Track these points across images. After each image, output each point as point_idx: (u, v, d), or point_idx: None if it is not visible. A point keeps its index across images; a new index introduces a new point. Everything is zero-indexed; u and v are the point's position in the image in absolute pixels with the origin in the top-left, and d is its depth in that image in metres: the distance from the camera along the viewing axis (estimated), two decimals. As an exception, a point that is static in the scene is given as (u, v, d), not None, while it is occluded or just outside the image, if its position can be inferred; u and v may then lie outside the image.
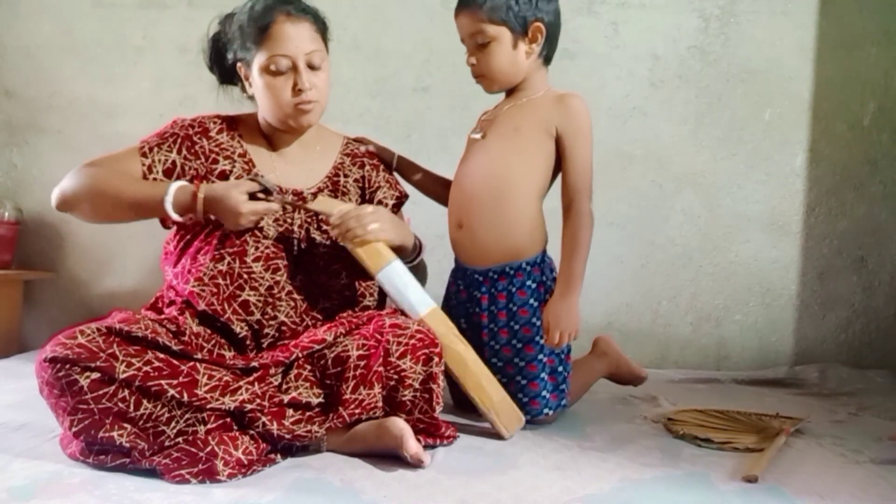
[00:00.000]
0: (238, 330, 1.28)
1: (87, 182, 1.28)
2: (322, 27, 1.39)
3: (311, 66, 1.34)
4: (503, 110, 1.49)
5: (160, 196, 1.25)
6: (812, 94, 2.31)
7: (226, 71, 1.42)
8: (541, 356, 1.41)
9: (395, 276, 1.32)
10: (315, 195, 1.41)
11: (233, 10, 1.41)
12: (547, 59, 1.49)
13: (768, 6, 2.31)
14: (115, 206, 1.28)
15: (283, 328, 1.31)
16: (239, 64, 1.38)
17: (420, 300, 1.32)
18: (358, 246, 1.30)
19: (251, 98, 1.42)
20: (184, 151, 1.34)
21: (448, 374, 1.32)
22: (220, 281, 1.28)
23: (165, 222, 1.36)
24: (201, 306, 1.27)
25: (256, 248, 1.31)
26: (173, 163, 1.33)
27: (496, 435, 1.32)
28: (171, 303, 1.33)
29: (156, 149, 1.33)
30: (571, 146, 1.42)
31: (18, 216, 2.25)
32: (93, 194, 1.28)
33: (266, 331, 1.30)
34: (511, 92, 1.50)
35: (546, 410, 1.41)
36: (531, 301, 1.43)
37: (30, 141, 2.37)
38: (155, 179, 1.32)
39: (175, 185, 1.26)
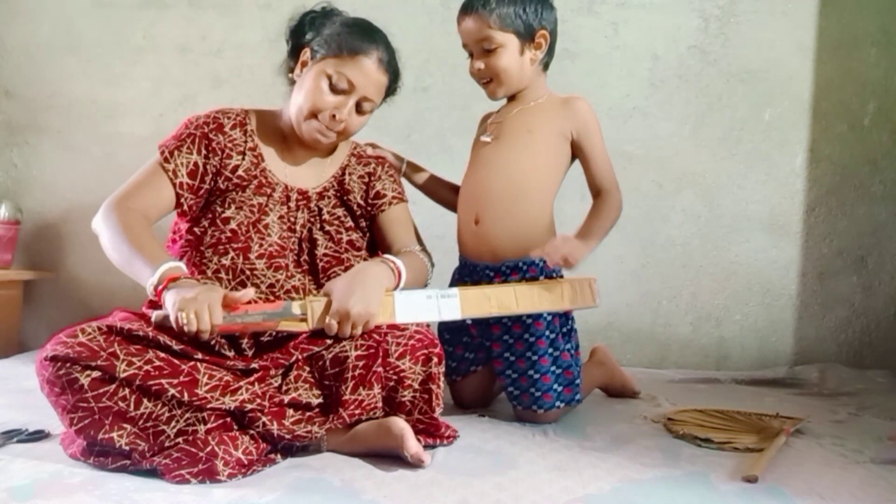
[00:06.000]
0: None
1: (107, 234, 1.25)
2: (391, 91, 1.43)
3: (359, 109, 1.36)
4: (512, 114, 1.51)
5: (147, 277, 1.17)
6: (812, 94, 2.31)
7: (296, 46, 1.42)
8: (551, 349, 1.43)
9: (405, 317, 1.27)
10: (320, 195, 1.41)
11: (339, 10, 1.42)
12: (546, 65, 1.53)
13: (768, 6, 2.31)
14: (124, 265, 1.24)
15: None
16: (306, 49, 1.37)
17: (438, 312, 1.29)
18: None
19: (290, 83, 1.42)
20: (203, 150, 1.34)
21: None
22: (223, 275, 1.28)
23: (179, 206, 1.34)
24: None
25: (260, 245, 1.31)
26: (195, 164, 1.33)
27: (496, 435, 1.33)
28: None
29: (175, 152, 1.32)
30: (588, 146, 1.48)
31: (18, 216, 2.26)
32: (108, 247, 1.25)
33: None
34: (514, 97, 1.53)
35: (558, 403, 1.42)
36: None
37: (30, 141, 2.37)
38: (181, 184, 1.31)
39: (165, 267, 1.17)
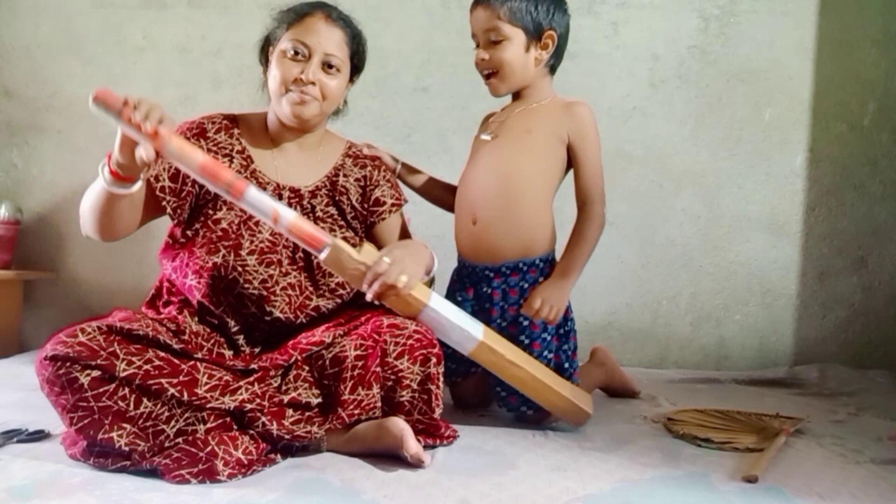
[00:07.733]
0: (232, 323, 1.28)
1: (83, 203, 1.26)
2: (354, 45, 1.41)
3: (328, 67, 1.36)
4: (514, 113, 1.52)
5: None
6: (812, 94, 2.31)
7: (265, 56, 1.44)
8: (546, 352, 1.42)
9: (431, 321, 1.25)
10: (312, 193, 1.40)
11: None
12: (553, 68, 1.54)
13: (768, 6, 2.31)
14: (95, 209, 1.23)
15: (278, 324, 1.31)
16: (270, 48, 1.40)
17: (463, 322, 1.27)
18: (392, 301, 1.23)
19: (266, 86, 1.43)
20: None
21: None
22: (216, 273, 1.28)
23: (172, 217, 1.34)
24: (198, 297, 1.27)
25: (251, 242, 1.31)
26: (177, 167, 1.33)
27: (496, 435, 1.32)
28: (169, 303, 1.34)
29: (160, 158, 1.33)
30: (582, 152, 1.47)
31: (18, 216, 2.26)
32: (83, 209, 1.26)
33: (261, 326, 1.30)
34: (517, 96, 1.53)
35: None
36: None
37: (30, 141, 2.37)
38: (163, 188, 1.31)
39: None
